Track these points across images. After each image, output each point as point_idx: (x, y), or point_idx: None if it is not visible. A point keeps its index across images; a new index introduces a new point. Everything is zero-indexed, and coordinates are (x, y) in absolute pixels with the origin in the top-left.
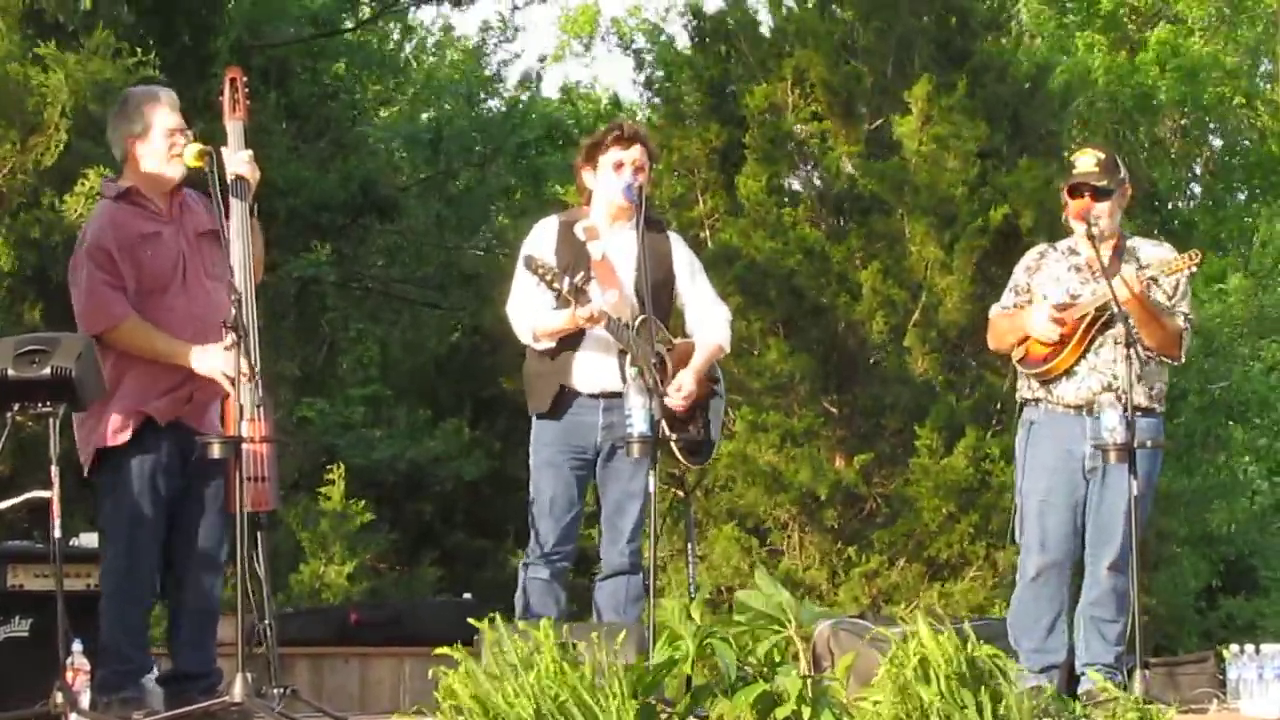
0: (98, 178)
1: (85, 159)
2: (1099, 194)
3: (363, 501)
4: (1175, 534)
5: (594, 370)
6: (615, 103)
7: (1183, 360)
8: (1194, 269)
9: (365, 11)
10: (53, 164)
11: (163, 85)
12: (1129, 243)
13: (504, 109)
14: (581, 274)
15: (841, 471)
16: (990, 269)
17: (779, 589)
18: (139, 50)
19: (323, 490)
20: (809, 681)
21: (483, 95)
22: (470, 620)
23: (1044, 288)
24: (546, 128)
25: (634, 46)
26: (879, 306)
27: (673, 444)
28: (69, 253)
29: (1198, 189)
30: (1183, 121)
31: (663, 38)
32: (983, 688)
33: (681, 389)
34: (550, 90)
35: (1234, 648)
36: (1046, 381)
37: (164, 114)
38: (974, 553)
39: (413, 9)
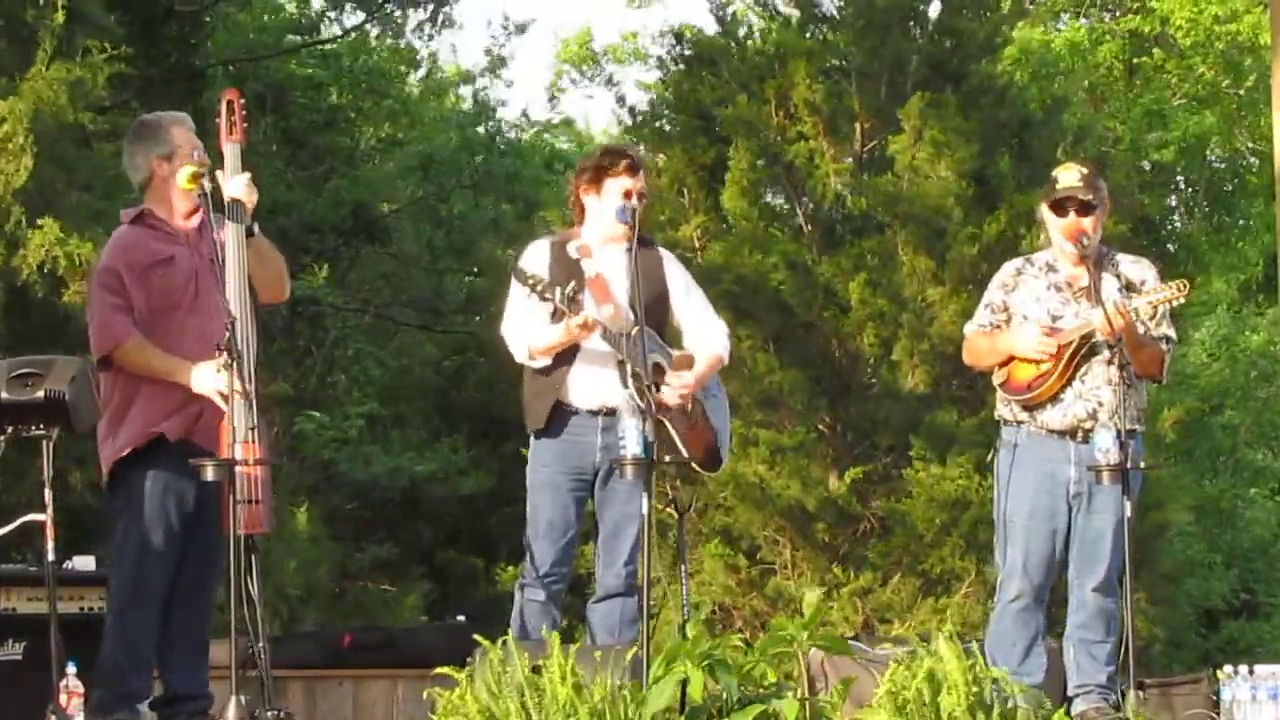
0: (53, 230)
1: (50, 184)
2: (1085, 209)
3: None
4: (1179, 555)
5: (591, 386)
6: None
7: (1165, 380)
8: (1180, 300)
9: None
10: (21, 185)
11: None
12: (1110, 258)
13: (500, 137)
14: (573, 284)
15: (832, 487)
16: (984, 282)
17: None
18: (108, 46)
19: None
20: (805, 703)
21: (482, 119)
22: (475, 638)
23: (1024, 307)
24: (545, 159)
25: (618, 78)
26: (868, 321)
27: (679, 443)
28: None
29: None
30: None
31: (650, 60)
32: (996, 709)
33: (684, 381)
34: (540, 113)
35: (1228, 668)
36: (1030, 407)
37: (188, 136)
38: (965, 569)
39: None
